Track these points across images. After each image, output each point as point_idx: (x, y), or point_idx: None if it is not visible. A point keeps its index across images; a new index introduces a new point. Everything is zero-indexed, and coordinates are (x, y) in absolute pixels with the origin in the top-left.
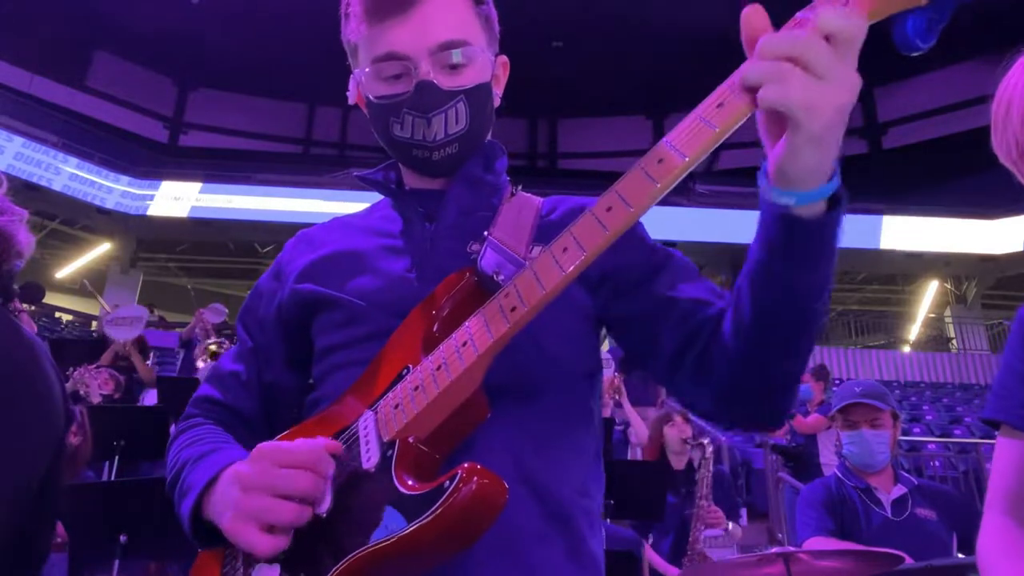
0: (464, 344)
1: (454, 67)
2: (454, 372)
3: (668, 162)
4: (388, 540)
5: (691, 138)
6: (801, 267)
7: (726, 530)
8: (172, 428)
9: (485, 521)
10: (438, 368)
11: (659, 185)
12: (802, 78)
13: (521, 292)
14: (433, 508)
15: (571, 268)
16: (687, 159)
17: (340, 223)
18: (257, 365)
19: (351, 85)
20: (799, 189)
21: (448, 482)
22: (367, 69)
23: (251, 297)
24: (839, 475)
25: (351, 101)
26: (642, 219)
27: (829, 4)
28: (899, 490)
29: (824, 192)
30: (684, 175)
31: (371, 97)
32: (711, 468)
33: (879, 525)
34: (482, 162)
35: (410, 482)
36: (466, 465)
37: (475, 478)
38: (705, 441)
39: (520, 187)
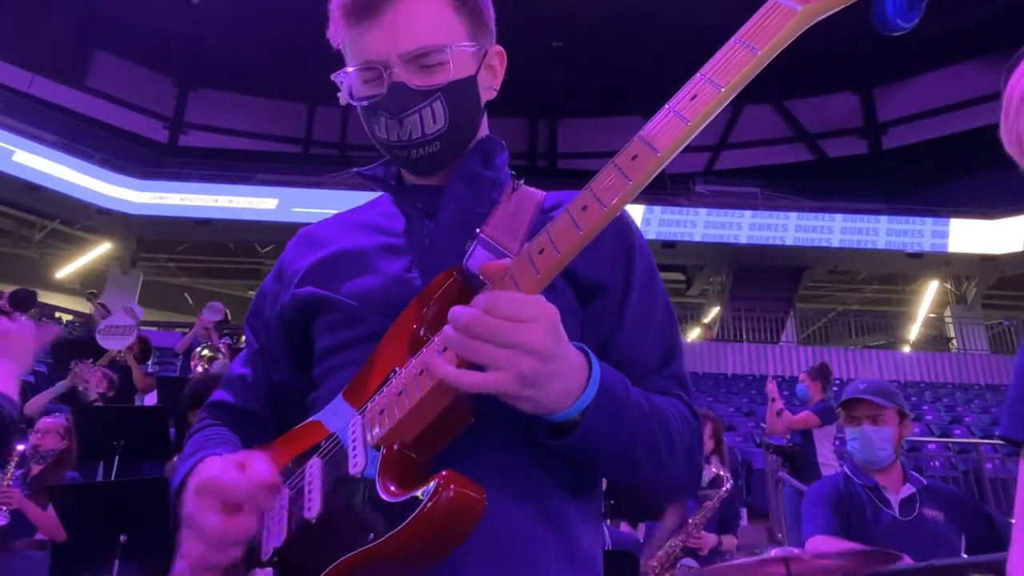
0: (445, 348)
1: (429, 67)
2: (434, 377)
3: (642, 158)
4: (367, 547)
5: (664, 132)
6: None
7: (714, 551)
8: (172, 428)
9: (464, 528)
10: (420, 372)
11: (632, 182)
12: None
13: None
14: (409, 517)
15: (544, 271)
16: (659, 154)
17: (341, 220)
18: (264, 367)
19: (342, 88)
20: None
21: (425, 490)
22: (351, 72)
23: (256, 299)
24: (848, 473)
25: (342, 102)
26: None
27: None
28: (907, 489)
29: (549, 421)
30: (658, 170)
31: (354, 100)
32: (718, 503)
33: (887, 524)
34: (481, 158)
35: (392, 488)
36: (444, 473)
37: (452, 486)
38: (725, 476)
39: (522, 181)
